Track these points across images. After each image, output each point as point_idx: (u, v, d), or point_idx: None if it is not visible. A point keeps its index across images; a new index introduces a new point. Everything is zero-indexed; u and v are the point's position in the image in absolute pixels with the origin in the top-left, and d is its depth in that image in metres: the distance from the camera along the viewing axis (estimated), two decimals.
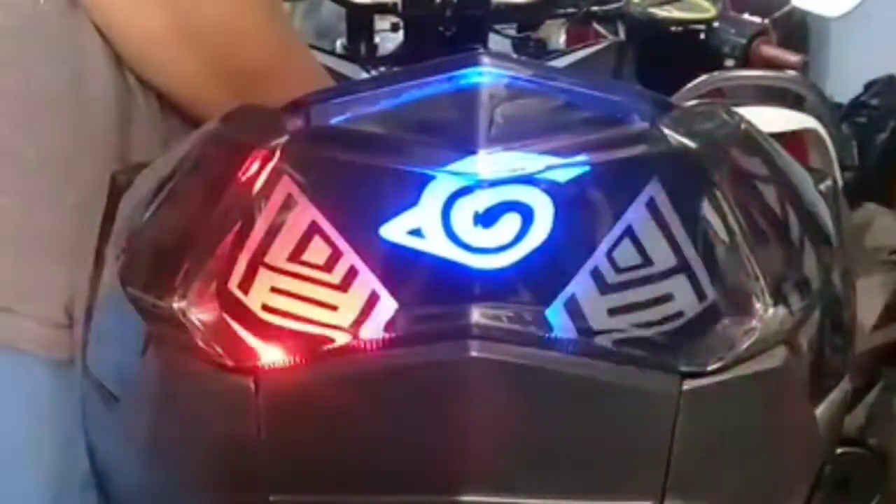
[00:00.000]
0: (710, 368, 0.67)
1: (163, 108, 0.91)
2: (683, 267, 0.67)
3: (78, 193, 0.86)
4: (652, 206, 0.66)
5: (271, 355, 0.67)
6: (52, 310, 0.87)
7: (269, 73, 0.88)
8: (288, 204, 0.67)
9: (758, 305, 0.68)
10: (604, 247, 0.66)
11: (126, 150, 0.88)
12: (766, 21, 1.45)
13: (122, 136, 0.88)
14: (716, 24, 1.43)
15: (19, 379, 0.88)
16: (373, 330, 0.66)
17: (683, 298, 0.67)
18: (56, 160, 0.86)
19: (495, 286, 0.66)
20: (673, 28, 1.44)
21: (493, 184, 0.65)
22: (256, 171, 0.67)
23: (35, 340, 0.87)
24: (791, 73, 1.34)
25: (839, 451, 0.87)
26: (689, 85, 1.25)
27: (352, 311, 0.66)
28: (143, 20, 0.84)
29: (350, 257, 0.66)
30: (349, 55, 1.39)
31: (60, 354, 0.87)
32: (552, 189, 0.66)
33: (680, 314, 0.67)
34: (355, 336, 0.67)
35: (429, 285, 0.67)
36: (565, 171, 0.66)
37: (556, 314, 0.66)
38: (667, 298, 0.67)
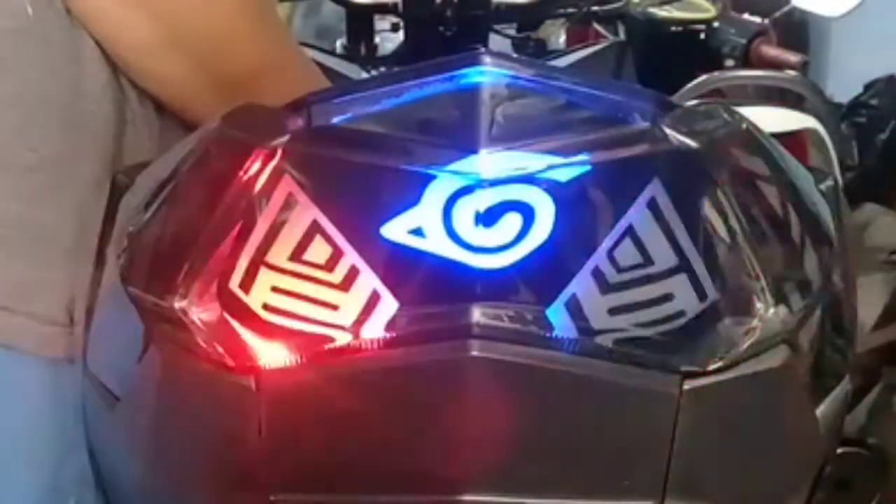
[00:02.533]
0: (710, 368, 0.68)
1: (158, 111, 0.90)
2: (684, 266, 0.67)
3: (75, 194, 0.86)
4: (653, 205, 0.66)
5: (272, 355, 0.67)
6: (50, 309, 0.86)
7: (262, 75, 0.88)
8: (289, 203, 0.67)
9: (758, 305, 0.68)
10: (605, 246, 0.66)
11: (122, 150, 0.88)
12: (766, 21, 1.45)
13: (118, 137, 0.88)
14: (716, 24, 1.43)
15: (16, 377, 0.87)
16: (374, 329, 0.66)
17: (684, 298, 0.67)
18: (53, 161, 0.85)
19: (496, 286, 0.66)
20: (673, 28, 1.45)
21: (494, 183, 0.65)
22: (257, 170, 0.67)
23: (32, 339, 0.87)
24: (791, 73, 1.34)
25: (839, 451, 0.87)
26: (689, 85, 1.25)
27: (353, 310, 0.66)
28: (132, 28, 0.83)
29: (351, 257, 0.66)
30: (349, 55, 1.39)
31: (58, 353, 0.87)
32: (553, 188, 0.66)
33: (681, 314, 0.67)
34: (356, 336, 0.67)
35: (430, 285, 0.67)
36: (566, 170, 0.66)
37: (557, 314, 0.66)
38: (668, 298, 0.67)
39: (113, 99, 0.87)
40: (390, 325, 0.66)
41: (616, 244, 0.66)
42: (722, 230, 0.68)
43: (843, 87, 1.71)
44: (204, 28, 0.85)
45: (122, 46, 0.86)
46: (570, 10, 1.42)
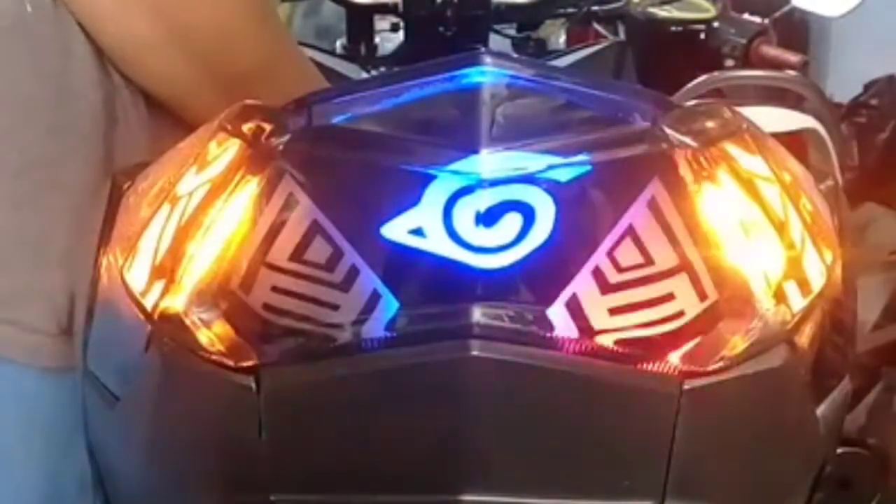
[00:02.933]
0: (710, 368, 0.67)
1: (150, 108, 0.90)
2: (684, 266, 0.67)
3: (64, 198, 0.85)
4: (653, 205, 0.66)
5: (272, 355, 0.67)
6: (37, 318, 0.86)
7: (260, 74, 0.87)
8: (289, 203, 0.67)
9: (758, 305, 0.68)
10: (605, 246, 0.66)
11: (112, 152, 0.87)
12: (766, 21, 1.45)
13: (107, 138, 0.87)
14: (716, 24, 1.44)
15: (4, 386, 0.87)
16: (374, 329, 0.66)
17: (684, 298, 0.67)
18: (41, 164, 0.84)
19: (497, 285, 0.66)
20: (673, 28, 1.45)
21: (495, 183, 0.65)
22: (258, 170, 0.67)
23: (19, 349, 0.86)
24: (791, 73, 1.34)
25: (839, 451, 0.87)
26: (689, 85, 1.25)
27: (353, 310, 0.66)
28: (132, 25, 0.83)
29: (351, 257, 0.66)
30: (349, 55, 1.39)
31: (45, 362, 0.86)
32: (553, 188, 0.66)
33: (681, 313, 0.67)
34: (356, 335, 0.67)
35: (430, 285, 0.67)
36: (567, 170, 0.66)
37: (557, 313, 0.66)
38: (668, 298, 0.67)
39: (103, 98, 0.86)
40: (390, 325, 0.66)
41: (616, 244, 0.66)
42: (722, 230, 0.68)
43: (843, 87, 1.71)
44: (205, 25, 0.85)
45: (122, 45, 0.85)
46: (570, 10, 1.42)
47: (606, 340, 0.67)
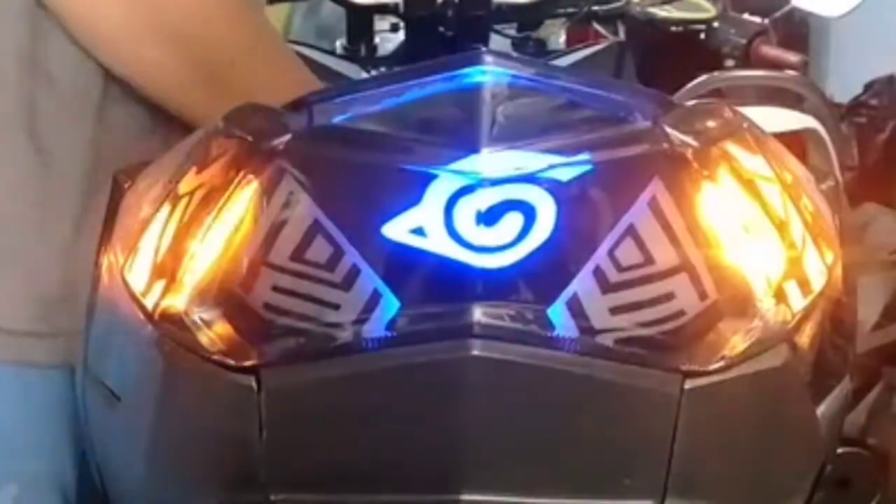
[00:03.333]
0: (711, 367, 0.67)
1: (105, 109, 0.89)
2: (685, 266, 0.67)
3: None
4: (654, 204, 0.66)
5: (273, 354, 0.67)
6: None
7: (240, 60, 0.87)
8: (290, 203, 0.67)
9: (759, 305, 0.68)
10: (606, 245, 0.66)
11: (39, 151, 0.87)
12: (766, 21, 1.45)
13: (32, 135, 0.86)
14: (716, 24, 1.44)
15: None
16: (375, 329, 0.66)
17: (685, 297, 0.67)
18: None
19: (497, 285, 0.66)
20: (673, 28, 1.45)
21: (496, 182, 0.65)
22: (259, 169, 0.68)
23: None
24: (791, 73, 1.35)
25: (839, 451, 0.87)
26: (689, 85, 1.25)
27: (354, 309, 0.66)
28: (109, 14, 0.83)
29: (352, 256, 0.66)
30: (349, 55, 1.39)
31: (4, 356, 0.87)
32: (554, 188, 0.66)
33: (681, 313, 0.67)
34: (357, 335, 0.67)
35: (431, 284, 0.67)
36: (567, 169, 0.66)
37: (558, 313, 0.66)
38: (668, 297, 0.67)
39: (26, 94, 0.86)
40: (391, 325, 0.66)
41: (617, 243, 0.66)
42: (723, 229, 0.68)
43: (843, 87, 1.72)
44: (180, 12, 0.84)
45: (100, 35, 0.85)
46: (570, 10, 1.42)
47: (607, 340, 0.67)
